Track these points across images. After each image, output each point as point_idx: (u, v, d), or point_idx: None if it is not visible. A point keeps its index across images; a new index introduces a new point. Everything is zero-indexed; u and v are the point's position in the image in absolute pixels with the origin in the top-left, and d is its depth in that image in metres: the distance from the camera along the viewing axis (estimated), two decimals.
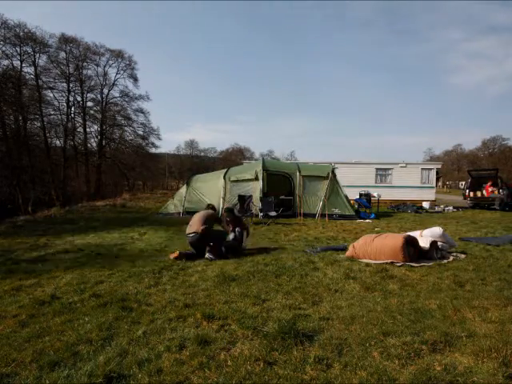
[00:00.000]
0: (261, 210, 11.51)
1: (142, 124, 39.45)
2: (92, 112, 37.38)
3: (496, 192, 17.45)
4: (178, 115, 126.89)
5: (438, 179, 22.52)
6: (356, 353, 2.65)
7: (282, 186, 13.39)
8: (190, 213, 12.71)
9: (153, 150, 42.25)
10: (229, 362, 2.52)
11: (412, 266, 5.26)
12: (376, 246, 5.68)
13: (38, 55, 31.19)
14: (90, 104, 37.34)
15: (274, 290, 4.20)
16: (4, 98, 26.26)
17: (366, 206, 13.79)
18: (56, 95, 34.03)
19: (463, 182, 25.81)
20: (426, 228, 6.73)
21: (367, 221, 11.96)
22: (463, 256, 6.07)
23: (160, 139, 41.59)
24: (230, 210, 7.10)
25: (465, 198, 19.82)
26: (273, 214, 10.88)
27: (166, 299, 3.87)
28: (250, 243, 7.31)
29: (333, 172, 12.91)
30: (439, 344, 2.76)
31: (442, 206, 18.29)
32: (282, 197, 13.01)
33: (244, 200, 11.34)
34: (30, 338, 2.96)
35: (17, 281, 4.65)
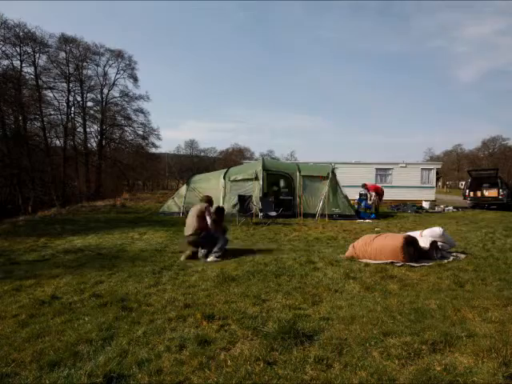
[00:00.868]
0: (261, 210, 11.51)
1: (141, 124, 39.52)
2: (92, 112, 37.43)
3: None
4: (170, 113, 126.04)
5: (438, 179, 22.54)
6: (356, 353, 2.65)
7: (282, 186, 13.40)
8: None
9: (153, 150, 42.32)
10: (229, 362, 2.52)
11: (412, 266, 5.26)
12: (376, 246, 5.68)
13: (37, 55, 31.26)
14: (90, 104, 37.43)
15: (274, 290, 4.20)
16: (4, 98, 26.27)
17: (366, 207, 13.77)
18: (56, 95, 34.11)
19: (463, 182, 25.82)
20: (426, 228, 6.72)
21: (367, 221, 11.96)
22: (463, 256, 6.07)
23: (160, 139, 41.65)
24: (220, 210, 6.92)
25: (465, 198, 19.84)
26: (273, 213, 10.88)
27: (166, 299, 3.87)
28: (250, 243, 7.31)
29: (333, 172, 12.92)
30: (439, 344, 2.76)
31: (442, 206, 18.29)
32: (282, 196, 13.01)
33: (244, 200, 11.35)
34: (29, 338, 2.96)
35: (17, 281, 4.65)
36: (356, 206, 14.31)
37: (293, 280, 4.61)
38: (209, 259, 5.82)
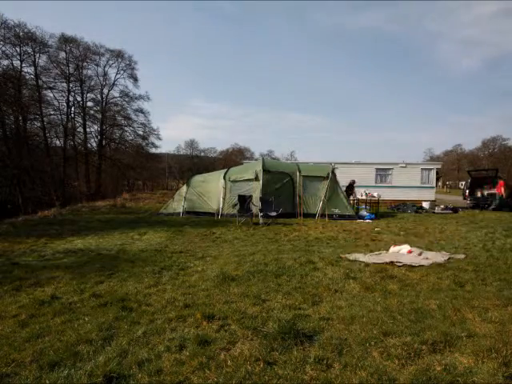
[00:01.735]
0: (261, 210, 11.50)
1: (141, 124, 39.47)
2: (92, 112, 37.39)
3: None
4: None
5: (438, 179, 22.50)
6: (356, 353, 2.65)
7: (282, 186, 13.38)
8: (190, 213, 12.79)
9: (153, 150, 42.27)
10: (229, 362, 2.52)
11: (412, 266, 5.27)
12: None
13: (37, 55, 31.20)
14: (90, 104, 37.38)
15: (274, 289, 4.20)
16: (4, 98, 26.25)
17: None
18: (56, 95, 34.07)
19: (463, 182, 25.82)
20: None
21: (367, 221, 11.96)
22: (461, 256, 6.07)
23: (160, 139, 41.62)
24: None
25: (464, 198, 19.84)
26: (273, 214, 10.88)
27: (166, 299, 3.87)
28: (250, 243, 7.32)
29: (333, 172, 12.92)
30: (439, 344, 2.76)
31: (442, 206, 18.24)
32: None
33: (244, 200, 11.35)
34: (29, 338, 2.96)
35: (17, 281, 4.64)
36: (356, 206, 14.32)
37: (293, 280, 4.61)
38: None
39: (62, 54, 33.47)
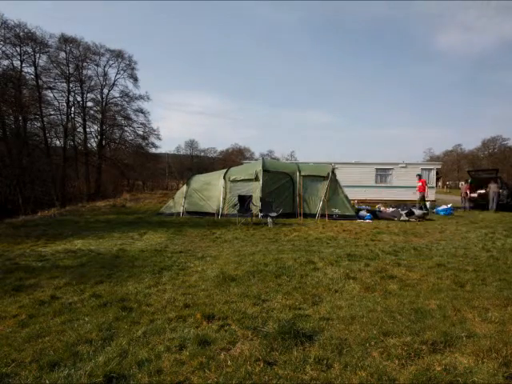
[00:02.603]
0: (261, 211, 11.51)
1: (141, 124, 39.50)
2: (92, 112, 37.42)
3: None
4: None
5: (438, 179, 22.52)
6: (356, 353, 2.65)
7: (282, 186, 13.38)
8: (190, 213, 12.78)
9: (153, 150, 42.29)
10: (229, 363, 2.52)
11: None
12: None
13: (38, 55, 31.23)
14: (90, 104, 37.40)
15: (274, 290, 4.20)
16: (4, 98, 26.27)
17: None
18: (56, 95, 34.10)
19: (463, 182, 25.85)
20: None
21: (367, 221, 11.96)
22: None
23: (160, 139, 41.63)
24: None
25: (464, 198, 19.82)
26: (273, 214, 10.88)
27: (166, 299, 3.87)
28: (250, 243, 7.32)
29: (333, 172, 12.91)
30: (439, 344, 2.76)
31: (444, 206, 18.19)
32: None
33: (244, 200, 11.34)
34: (30, 338, 2.96)
35: (17, 281, 4.64)
36: (356, 206, 14.31)
37: (293, 280, 4.61)
38: None
39: (62, 54, 33.53)
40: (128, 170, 38.72)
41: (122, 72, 38.05)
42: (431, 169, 20.67)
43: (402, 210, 13.69)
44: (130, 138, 40.06)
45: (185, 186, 13.60)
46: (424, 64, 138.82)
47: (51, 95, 33.73)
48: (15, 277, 4.85)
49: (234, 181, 12.78)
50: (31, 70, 31.34)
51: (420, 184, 16.84)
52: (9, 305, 3.77)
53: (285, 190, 12.76)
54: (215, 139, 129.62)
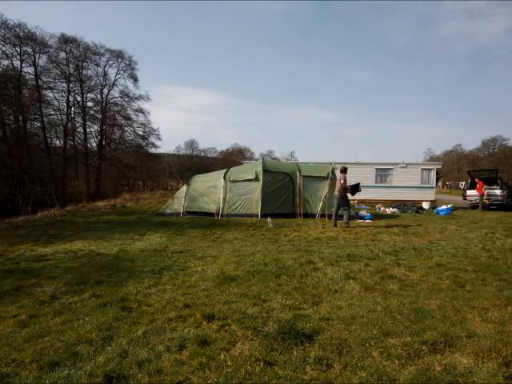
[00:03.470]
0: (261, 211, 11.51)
1: (141, 124, 39.56)
2: (92, 112, 37.45)
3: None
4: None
5: (438, 179, 22.52)
6: (356, 353, 2.65)
7: (282, 186, 13.39)
8: (190, 213, 12.78)
9: (153, 150, 42.33)
10: (229, 363, 2.52)
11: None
12: None
13: (37, 55, 31.28)
14: (90, 104, 37.45)
15: (274, 290, 4.20)
16: (4, 98, 26.28)
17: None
18: (56, 95, 34.16)
19: (463, 183, 25.81)
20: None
21: (367, 221, 11.96)
22: None
23: (160, 139, 41.67)
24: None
25: (464, 199, 19.86)
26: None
27: (166, 299, 3.87)
28: (250, 243, 7.31)
29: (333, 172, 12.92)
30: (439, 344, 2.76)
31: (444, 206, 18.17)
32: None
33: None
34: (30, 338, 2.96)
35: (17, 281, 4.64)
36: (356, 206, 14.31)
37: (293, 280, 4.61)
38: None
39: (62, 54, 33.60)
40: (128, 170, 38.75)
41: (121, 72, 38.16)
42: (431, 169, 20.67)
43: (402, 210, 13.74)
44: (130, 138, 40.15)
45: (185, 186, 13.61)
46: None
47: (51, 95, 33.84)
48: (15, 277, 4.86)
49: (234, 181, 12.77)
50: (31, 69, 31.43)
51: (478, 186, 17.41)
52: (9, 305, 3.77)
53: (285, 190, 12.76)
54: (211, 138, 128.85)
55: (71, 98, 35.33)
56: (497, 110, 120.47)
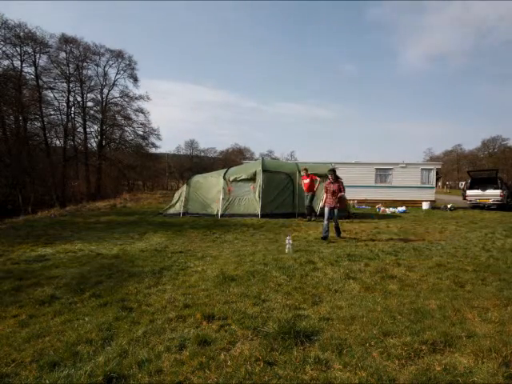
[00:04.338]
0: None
1: (142, 124, 39.51)
2: (92, 112, 37.42)
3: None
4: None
5: (437, 179, 22.49)
6: (356, 353, 2.65)
7: (281, 185, 13.39)
8: (190, 213, 12.78)
9: (153, 150, 42.30)
10: (229, 362, 2.52)
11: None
12: None
13: (38, 55, 31.25)
14: (90, 104, 37.41)
15: (274, 290, 4.20)
16: (4, 98, 26.27)
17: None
18: (56, 95, 34.11)
19: (463, 183, 25.82)
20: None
21: (367, 221, 11.95)
22: None
23: (160, 139, 41.63)
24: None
25: (464, 199, 19.85)
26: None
27: (166, 299, 3.87)
28: (250, 243, 7.31)
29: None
30: (439, 344, 2.76)
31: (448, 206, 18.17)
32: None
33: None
34: (30, 338, 2.96)
35: (17, 281, 4.65)
36: (356, 206, 14.30)
37: (293, 280, 4.61)
38: None
39: (62, 54, 33.56)
40: (128, 170, 38.73)
41: (121, 72, 38.12)
42: (431, 169, 20.67)
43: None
44: (130, 138, 40.10)
45: (185, 186, 13.60)
46: None
47: (51, 95, 33.79)
48: (15, 276, 4.86)
49: (234, 181, 12.77)
50: (31, 69, 31.39)
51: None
52: (9, 305, 3.77)
53: (285, 190, 12.75)
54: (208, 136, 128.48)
55: (71, 98, 35.34)
56: (497, 110, 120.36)
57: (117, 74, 37.95)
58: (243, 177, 12.80)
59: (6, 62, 28.82)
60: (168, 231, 9.14)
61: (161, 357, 2.61)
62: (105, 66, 37.25)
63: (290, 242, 6.47)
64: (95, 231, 9.22)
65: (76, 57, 34.38)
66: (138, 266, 5.46)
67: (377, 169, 20.83)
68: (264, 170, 12.54)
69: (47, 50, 31.86)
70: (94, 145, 38.23)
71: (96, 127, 37.75)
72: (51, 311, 3.56)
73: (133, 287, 4.33)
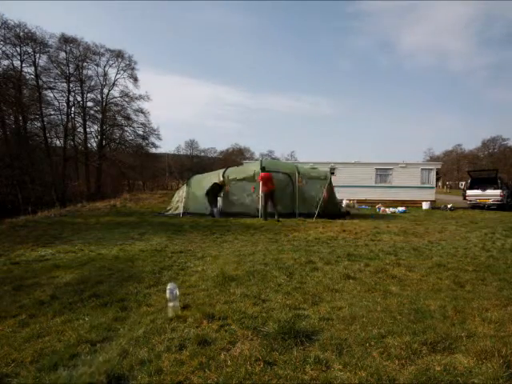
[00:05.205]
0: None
1: (142, 124, 39.50)
2: (92, 112, 37.41)
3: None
4: None
5: (437, 179, 22.49)
6: (356, 353, 2.65)
7: (281, 185, 13.39)
8: (190, 213, 12.78)
9: (153, 150, 42.31)
10: (229, 362, 2.52)
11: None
12: None
13: (38, 55, 31.22)
14: (90, 104, 37.38)
15: (274, 290, 4.20)
16: (4, 98, 26.27)
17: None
18: (56, 95, 34.07)
19: (463, 183, 25.82)
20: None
21: (367, 221, 11.95)
22: None
23: (160, 139, 41.65)
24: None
25: (464, 199, 19.86)
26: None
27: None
28: (250, 243, 7.32)
29: (332, 173, 12.97)
30: (439, 344, 2.76)
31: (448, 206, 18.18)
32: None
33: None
34: (30, 337, 2.96)
35: (17, 281, 4.64)
36: (356, 206, 14.27)
37: (293, 280, 4.61)
38: None
39: (62, 54, 33.52)
40: (128, 170, 38.72)
41: (122, 72, 38.08)
42: (431, 169, 20.67)
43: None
44: (130, 137, 40.08)
45: (185, 186, 13.60)
46: None
47: (51, 95, 33.75)
48: (15, 277, 4.86)
49: (234, 180, 12.79)
50: (31, 69, 31.37)
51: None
52: (9, 305, 3.77)
53: (284, 190, 12.75)
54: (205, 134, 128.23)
55: (71, 98, 35.30)
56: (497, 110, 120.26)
57: (117, 73, 37.94)
58: (243, 177, 12.82)
59: (6, 62, 28.84)
60: (168, 231, 9.14)
61: (161, 357, 2.61)
62: (105, 66, 37.25)
63: (177, 292, 3.54)
64: (95, 231, 9.22)
65: (76, 57, 34.36)
66: (137, 266, 5.46)
67: (377, 169, 20.84)
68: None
69: (47, 49, 31.86)
70: (94, 145, 38.25)
71: (96, 127, 37.78)
72: (51, 311, 3.56)
73: (133, 287, 4.33)
